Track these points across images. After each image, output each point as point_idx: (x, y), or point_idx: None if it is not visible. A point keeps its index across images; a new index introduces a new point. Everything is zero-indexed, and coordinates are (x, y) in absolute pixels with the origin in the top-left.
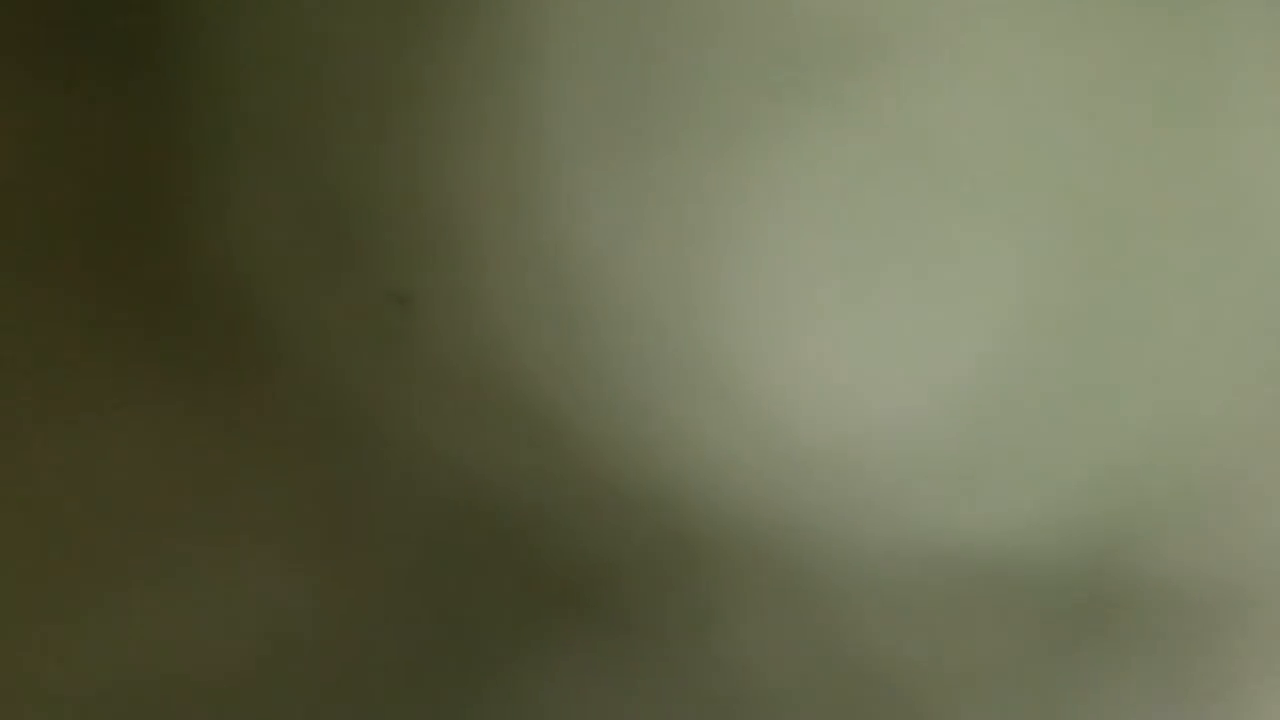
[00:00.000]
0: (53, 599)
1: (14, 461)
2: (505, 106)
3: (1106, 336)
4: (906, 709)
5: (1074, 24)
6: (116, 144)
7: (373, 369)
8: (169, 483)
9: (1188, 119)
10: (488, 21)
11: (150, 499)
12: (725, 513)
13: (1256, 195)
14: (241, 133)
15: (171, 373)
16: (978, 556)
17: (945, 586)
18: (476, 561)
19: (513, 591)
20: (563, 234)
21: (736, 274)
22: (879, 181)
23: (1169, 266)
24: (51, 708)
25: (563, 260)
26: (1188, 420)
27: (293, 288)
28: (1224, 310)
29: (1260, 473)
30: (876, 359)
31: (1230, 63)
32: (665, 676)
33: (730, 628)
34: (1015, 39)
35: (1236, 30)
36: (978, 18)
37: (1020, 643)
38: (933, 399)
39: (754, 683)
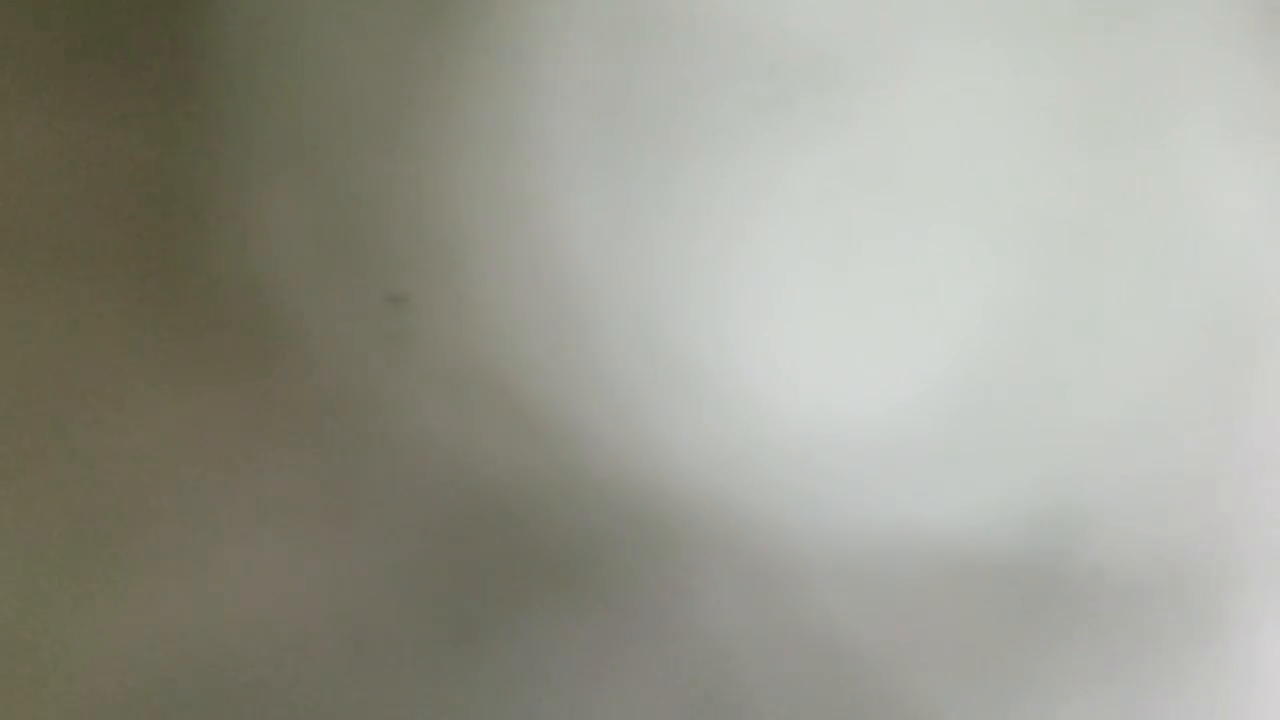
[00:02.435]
0: (61, 590)
1: (27, 455)
2: (501, 114)
3: (1063, 338)
4: (871, 687)
5: (1039, 47)
6: (127, 152)
7: (370, 367)
8: (176, 474)
9: (1140, 135)
10: (485, 32)
11: (158, 490)
12: (705, 500)
13: (1203, 206)
14: (243, 138)
15: (175, 370)
16: (941, 544)
17: (910, 572)
18: (472, 546)
19: (506, 574)
20: (554, 237)
21: (720, 275)
22: (856, 189)
23: (1123, 272)
24: (62, 691)
25: (554, 262)
26: (1140, 416)
27: (292, 288)
28: (1174, 313)
29: (1210, 466)
30: (849, 357)
31: (1180, 82)
32: (646, 651)
33: (706, 608)
34: (984, 60)
35: (1186, 50)
36: (951, 38)
37: (981, 626)
38: (901, 396)
39: (727, 659)
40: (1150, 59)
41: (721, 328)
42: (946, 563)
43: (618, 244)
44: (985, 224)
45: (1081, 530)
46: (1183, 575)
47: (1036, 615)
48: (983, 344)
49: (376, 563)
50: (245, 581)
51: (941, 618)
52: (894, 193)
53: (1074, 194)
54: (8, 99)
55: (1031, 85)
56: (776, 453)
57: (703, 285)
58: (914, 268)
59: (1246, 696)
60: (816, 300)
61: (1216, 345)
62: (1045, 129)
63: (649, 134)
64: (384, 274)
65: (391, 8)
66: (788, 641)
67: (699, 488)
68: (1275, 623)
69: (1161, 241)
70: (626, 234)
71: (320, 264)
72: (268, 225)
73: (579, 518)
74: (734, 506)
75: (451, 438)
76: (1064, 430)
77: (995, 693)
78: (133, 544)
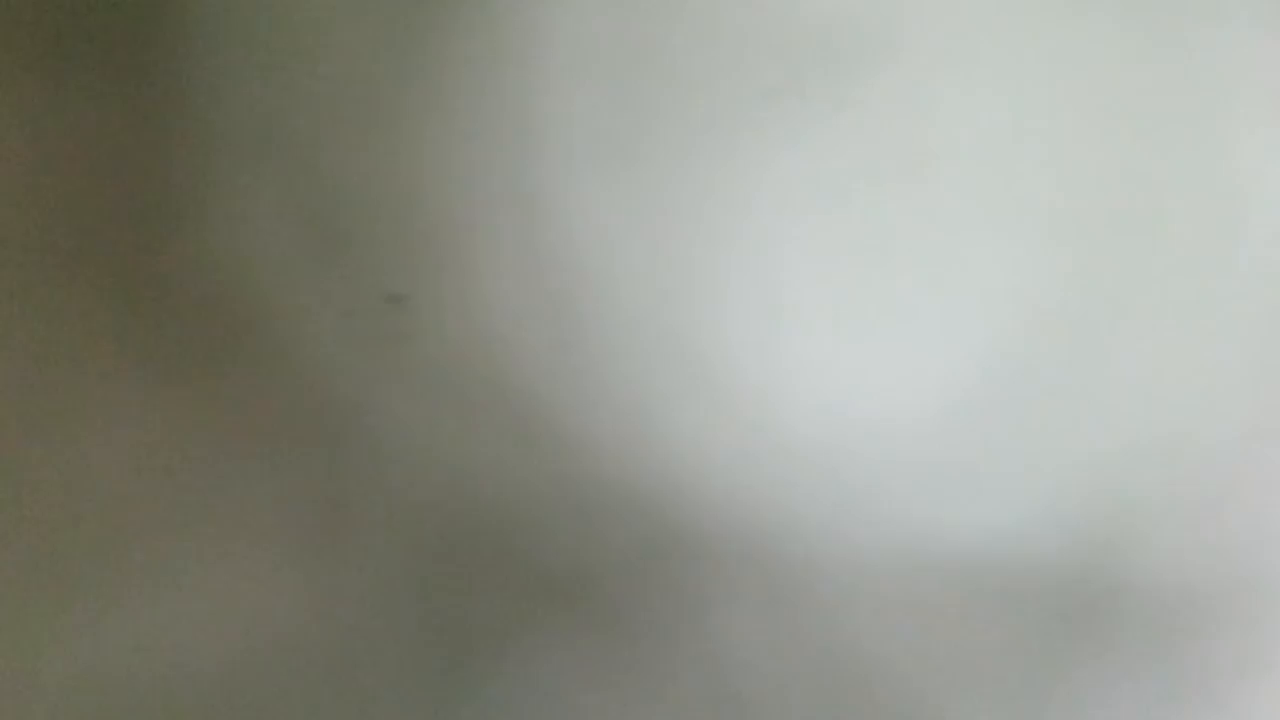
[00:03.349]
0: (50, 596)
1: (16, 459)
2: (502, 108)
3: (1096, 340)
4: (894, 704)
5: (1067, 34)
6: (121, 148)
7: (369, 368)
8: (167, 481)
9: (1178, 128)
10: (486, 24)
11: (148, 497)
12: (716, 511)
13: (1242, 202)
14: (241, 135)
15: (170, 371)
16: (966, 554)
17: (933, 583)
18: (470, 557)
19: (506, 587)
20: (557, 235)
21: (731, 275)
22: (874, 184)
23: (1157, 272)
24: (48, 702)
25: (557, 261)
26: (1172, 423)
27: (290, 288)
28: (1209, 316)
29: (1260, 477)
30: (869, 361)
31: (1219, 76)
32: (654, 669)
33: (719, 622)
34: (1008, 49)
35: (1226, 43)
36: (972, 27)
37: (1008, 638)
38: (924, 400)
39: (741, 676)
40: (1193, 44)
41: (733, 327)
42: (978, 572)
43: (624, 240)
44: (1014, 218)
45: (1126, 535)
46: (1239, 585)
47: (1076, 628)
48: (1013, 344)
49: (374, 568)
50: (239, 589)
51: (972, 632)
52: (914, 185)
53: (1107, 187)
54: None
55: (1059, 72)
56: (795, 455)
57: (713, 283)
58: (939, 264)
59: None
60: (834, 298)
61: (1265, 350)
62: (1073, 119)
63: (657, 126)
64: (384, 274)
65: (392, 3)
66: (807, 657)
67: (713, 494)
68: None
69: (1207, 228)
70: (633, 230)
71: (318, 264)
72: (266, 225)
73: (586, 525)
74: (750, 513)
75: (452, 440)
76: (1106, 428)
77: (1030, 713)
78: (123, 550)
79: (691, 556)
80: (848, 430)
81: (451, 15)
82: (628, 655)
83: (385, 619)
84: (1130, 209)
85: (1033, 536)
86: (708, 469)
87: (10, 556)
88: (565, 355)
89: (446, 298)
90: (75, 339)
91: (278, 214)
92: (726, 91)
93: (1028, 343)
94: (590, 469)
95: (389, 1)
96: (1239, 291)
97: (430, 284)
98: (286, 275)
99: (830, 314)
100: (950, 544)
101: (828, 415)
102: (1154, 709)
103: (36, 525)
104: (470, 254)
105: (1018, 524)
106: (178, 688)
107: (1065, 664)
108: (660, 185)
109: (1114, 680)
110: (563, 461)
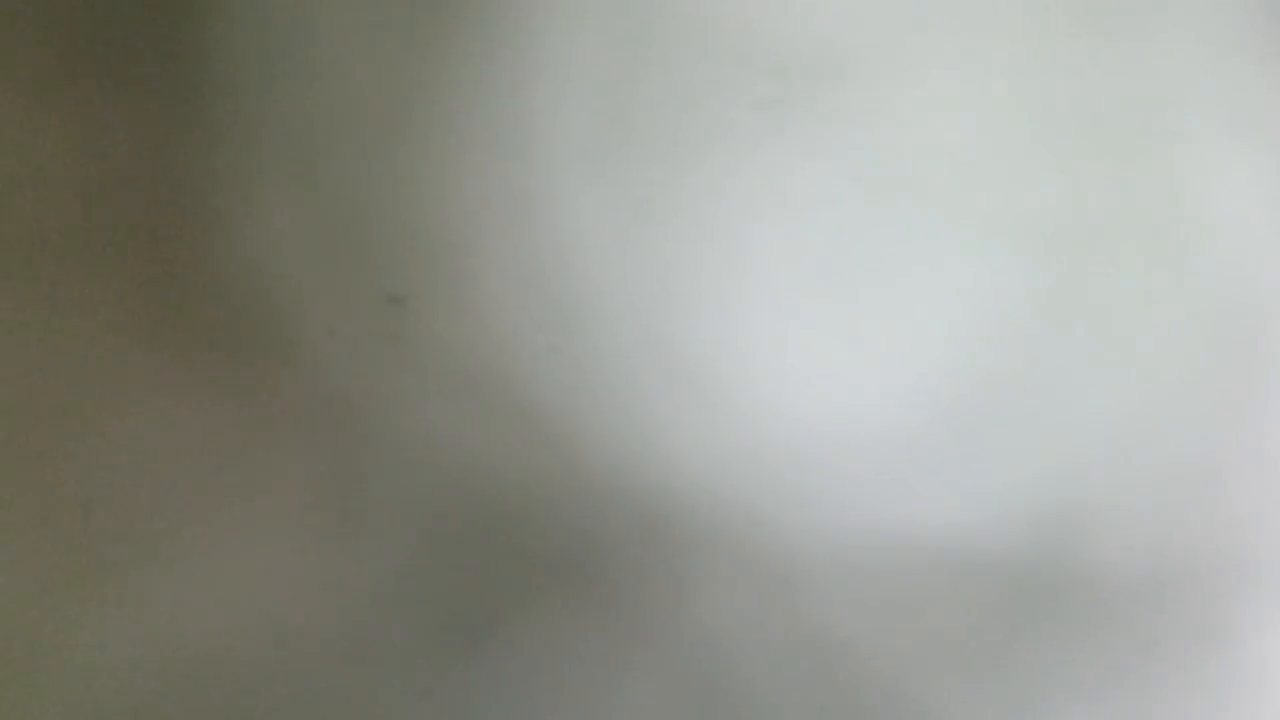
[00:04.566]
0: (63, 587)
1: (30, 455)
2: (501, 116)
3: (1065, 338)
4: (874, 687)
5: (1041, 50)
6: (133, 157)
7: (373, 366)
8: (176, 474)
9: (1141, 137)
10: (486, 32)
11: (157, 490)
12: (706, 500)
13: (1204, 206)
14: (249, 142)
15: (178, 370)
16: (944, 544)
17: (912, 572)
18: (473, 546)
19: (507, 574)
20: (555, 237)
21: (718, 276)
22: (858, 190)
23: (1125, 273)
24: (63, 693)
25: (554, 262)
26: (1143, 416)
27: (296, 288)
28: (1177, 313)
29: (1214, 465)
30: (851, 357)
31: (1181, 84)
32: (648, 651)
33: (708, 608)
34: (987, 62)
35: (1187, 54)
36: (954, 41)
37: (983, 626)
38: (903, 395)
39: (729, 659)
40: (1152, 62)
41: (723, 327)
42: (949, 562)
43: (618, 244)
44: (988, 225)
45: (1084, 530)
46: (1187, 575)
47: (1039, 615)
48: (985, 344)
49: (376, 562)
50: (245, 582)
51: (943, 618)
52: (896, 193)
53: (1075, 195)
54: (9, 100)
55: (1033, 88)
56: (778, 453)
57: (704, 285)
58: (916, 268)
59: (1253, 699)
60: (818, 300)
61: (1219, 344)
62: (1047, 131)
63: (650, 134)
64: (384, 274)
65: (393, 8)
66: (789, 642)
67: (700, 488)
68: None
69: (1163, 241)
70: (627, 234)
71: (320, 264)
72: (268, 225)
73: (580, 518)
74: (735, 506)
75: (452, 438)
76: (1067, 430)
77: (998, 693)
78: (131, 544)
79: (681, 544)
80: (830, 425)
81: (453, 23)
82: (623, 636)
83: (390, 605)
84: (1086, 219)
85: (1003, 525)
86: (698, 461)
87: (23, 552)
88: (563, 354)
89: (447, 298)
90: (84, 339)
91: (280, 215)
92: (720, 102)
93: (1000, 342)
94: (585, 462)
95: (391, 13)
96: (1199, 291)
97: (431, 284)
98: (288, 275)
99: (814, 316)
100: (926, 532)
101: (812, 411)
102: (1121, 689)
103: (48, 521)
104: (470, 255)
105: (984, 515)
106: (189, 676)
107: (1035, 646)
108: (655, 189)
109: (1082, 661)
110: (560, 455)
